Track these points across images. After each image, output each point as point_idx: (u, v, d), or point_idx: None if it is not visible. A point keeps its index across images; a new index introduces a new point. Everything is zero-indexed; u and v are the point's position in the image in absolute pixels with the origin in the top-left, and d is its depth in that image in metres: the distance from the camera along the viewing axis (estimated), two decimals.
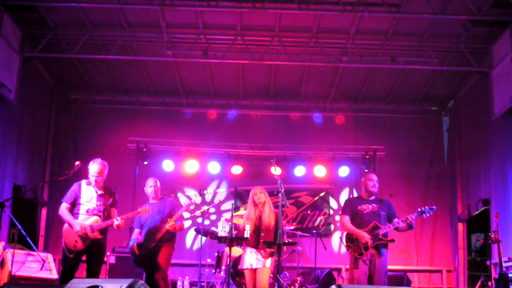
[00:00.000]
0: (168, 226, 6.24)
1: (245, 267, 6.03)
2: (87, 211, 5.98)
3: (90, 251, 5.95)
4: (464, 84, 10.14)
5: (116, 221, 5.91)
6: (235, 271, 7.85)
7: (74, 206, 6.00)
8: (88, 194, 6.05)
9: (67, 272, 5.87)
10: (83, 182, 6.12)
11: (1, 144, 8.46)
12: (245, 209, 10.41)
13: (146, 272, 6.45)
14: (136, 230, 6.57)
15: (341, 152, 10.71)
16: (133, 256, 6.46)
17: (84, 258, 6.01)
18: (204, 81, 10.61)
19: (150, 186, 6.60)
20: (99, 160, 6.20)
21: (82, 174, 6.40)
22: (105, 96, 11.18)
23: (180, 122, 11.07)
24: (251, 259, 5.97)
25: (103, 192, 6.11)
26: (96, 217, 5.97)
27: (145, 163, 10.50)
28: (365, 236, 6.05)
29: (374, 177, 6.42)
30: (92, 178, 6.07)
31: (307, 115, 11.11)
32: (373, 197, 6.39)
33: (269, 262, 5.93)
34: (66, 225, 5.95)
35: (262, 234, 5.94)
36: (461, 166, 10.40)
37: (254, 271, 5.95)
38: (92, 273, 5.92)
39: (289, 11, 8.19)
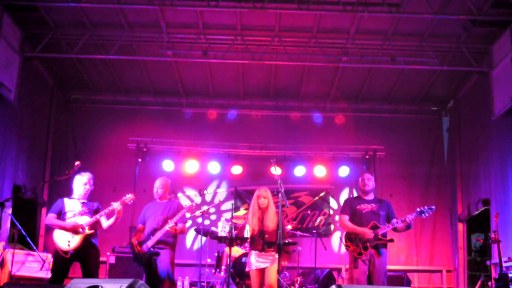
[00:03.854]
0: (167, 227, 6.24)
1: (252, 268, 6.01)
2: (73, 215, 6.07)
3: (82, 252, 5.97)
4: (464, 84, 10.14)
5: (114, 204, 6.09)
6: (235, 271, 7.85)
7: (59, 216, 6.09)
8: (72, 204, 6.17)
9: (58, 274, 5.91)
10: (65, 199, 6.24)
11: (1, 144, 8.45)
12: (245, 209, 10.54)
13: (146, 272, 6.43)
14: (139, 226, 6.58)
15: (341, 152, 10.70)
16: (133, 252, 6.47)
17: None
18: (204, 81, 10.61)
19: (155, 187, 6.66)
20: (87, 173, 6.34)
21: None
22: (105, 96, 11.18)
23: (180, 122, 11.07)
24: (257, 261, 5.97)
25: (86, 201, 6.25)
26: (84, 216, 6.07)
27: (146, 159, 10.47)
28: (366, 231, 6.04)
29: (366, 175, 6.44)
30: (82, 188, 6.17)
31: (307, 115, 11.11)
32: (372, 197, 6.40)
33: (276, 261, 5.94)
34: (56, 230, 6.01)
35: (266, 236, 5.94)
36: (461, 166, 10.40)
37: (261, 271, 5.95)
38: (88, 274, 5.92)
39: (289, 11, 8.19)
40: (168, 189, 6.71)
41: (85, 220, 6.01)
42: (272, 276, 5.87)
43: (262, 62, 9.24)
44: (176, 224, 6.32)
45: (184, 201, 10.36)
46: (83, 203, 6.18)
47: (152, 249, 6.29)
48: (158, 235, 6.27)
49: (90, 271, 5.96)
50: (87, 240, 5.99)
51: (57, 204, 6.19)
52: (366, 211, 6.22)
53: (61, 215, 6.08)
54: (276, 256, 5.90)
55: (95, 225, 6.14)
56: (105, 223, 6.20)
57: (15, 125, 8.97)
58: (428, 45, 8.88)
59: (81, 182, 6.20)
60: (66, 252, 5.88)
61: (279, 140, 10.81)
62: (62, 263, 5.92)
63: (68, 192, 6.40)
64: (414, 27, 8.68)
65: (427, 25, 8.54)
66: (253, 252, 6.06)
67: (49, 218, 6.10)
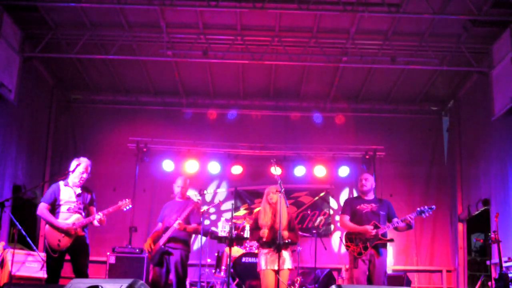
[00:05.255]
0: (175, 224, 6.24)
1: (263, 268, 6.01)
2: (68, 210, 6.01)
3: (73, 250, 5.96)
4: (464, 84, 10.14)
5: (98, 215, 5.98)
6: (235, 271, 7.86)
7: (54, 206, 6.04)
8: (67, 194, 6.09)
9: (53, 272, 5.90)
10: (61, 183, 6.16)
11: (1, 144, 8.46)
12: (245, 209, 10.55)
13: (155, 271, 6.37)
14: (159, 224, 6.59)
15: (341, 152, 10.70)
16: (148, 251, 6.46)
17: (68, 258, 6.01)
18: (204, 81, 10.61)
19: (178, 186, 6.67)
20: (85, 158, 6.27)
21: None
22: (105, 96, 11.18)
23: (180, 122, 11.07)
24: (270, 260, 5.97)
25: (81, 192, 6.16)
26: (77, 215, 6.01)
27: (146, 159, 10.46)
28: (368, 228, 6.04)
29: (364, 176, 6.44)
30: (79, 176, 6.10)
31: (307, 115, 11.10)
32: (372, 197, 6.40)
33: (289, 262, 6.01)
34: (47, 226, 5.99)
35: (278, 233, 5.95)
36: (461, 166, 10.40)
37: (273, 271, 5.93)
38: (80, 272, 5.92)
39: (289, 11, 8.19)
40: (187, 188, 6.73)
41: (77, 219, 5.95)
42: (283, 280, 5.91)
43: (262, 62, 9.25)
44: (185, 222, 6.31)
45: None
46: (77, 195, 6.08)
47: (163, 246, 6.29)
48: (168, 233, 6.28)
49: (80, 268, 5.94)
50: (78, 239, 5.95)
51: (52, 191, 6.07)
52: (366, 211, 6.22)
53: (54, 205, 6.01)
54: (285, 257, 5.96)
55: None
56: (95, 222, 6.15)
57: (15, 125, 8.98)
58: (428, 45, 8.88)
59: (77, 171, 6.12)
60: (55, 251, 5.87)
61: (279, 140, 10.81)
62: (55, 261, 5.90)
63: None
64: (414, 27, 8.68)
65: (427, 25, 8.54)
66: (264, 251, 6.07)
67: (41, 208, 6.02)
